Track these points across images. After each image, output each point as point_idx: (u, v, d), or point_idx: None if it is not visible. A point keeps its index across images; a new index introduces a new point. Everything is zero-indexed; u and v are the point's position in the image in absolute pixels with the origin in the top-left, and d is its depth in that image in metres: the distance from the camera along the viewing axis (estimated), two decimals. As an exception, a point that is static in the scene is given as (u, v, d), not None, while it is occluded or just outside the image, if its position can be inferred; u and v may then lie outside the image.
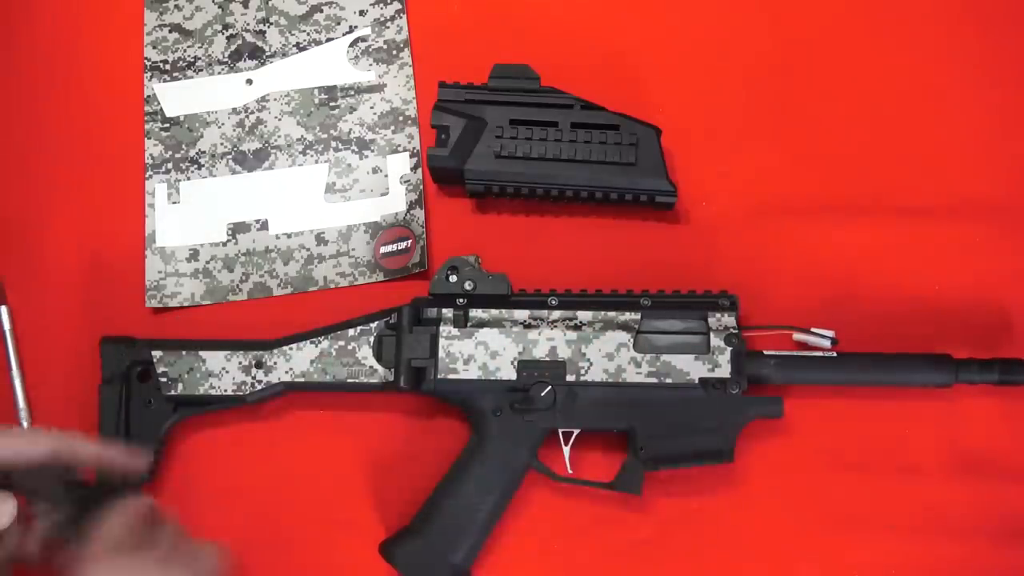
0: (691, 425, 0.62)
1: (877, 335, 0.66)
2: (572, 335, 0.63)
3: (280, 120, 0.74)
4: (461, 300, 0.64)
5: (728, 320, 0.63)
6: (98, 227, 0.73)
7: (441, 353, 0.63)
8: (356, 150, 0.73)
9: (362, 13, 0.76)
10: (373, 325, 0.65)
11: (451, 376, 0.63)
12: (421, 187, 0.72)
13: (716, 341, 0.63)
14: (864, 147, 0.72)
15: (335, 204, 0.73)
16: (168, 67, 0.76)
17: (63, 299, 0.71)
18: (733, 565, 0.65)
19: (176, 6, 0.77)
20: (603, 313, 0.64)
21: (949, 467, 0.66)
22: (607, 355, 0.63)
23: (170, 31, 0.76)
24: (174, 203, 0.73)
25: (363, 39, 0.76)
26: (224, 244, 0.72)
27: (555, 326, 0.64)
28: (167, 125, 0.75)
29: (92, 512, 0.51)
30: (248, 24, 0.76)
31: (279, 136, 0.74)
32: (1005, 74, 0.73)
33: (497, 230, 0.71)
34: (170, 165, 0.74)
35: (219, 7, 0.77)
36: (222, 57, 0.76)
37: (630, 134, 0.67)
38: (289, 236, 0.72)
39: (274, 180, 0.73)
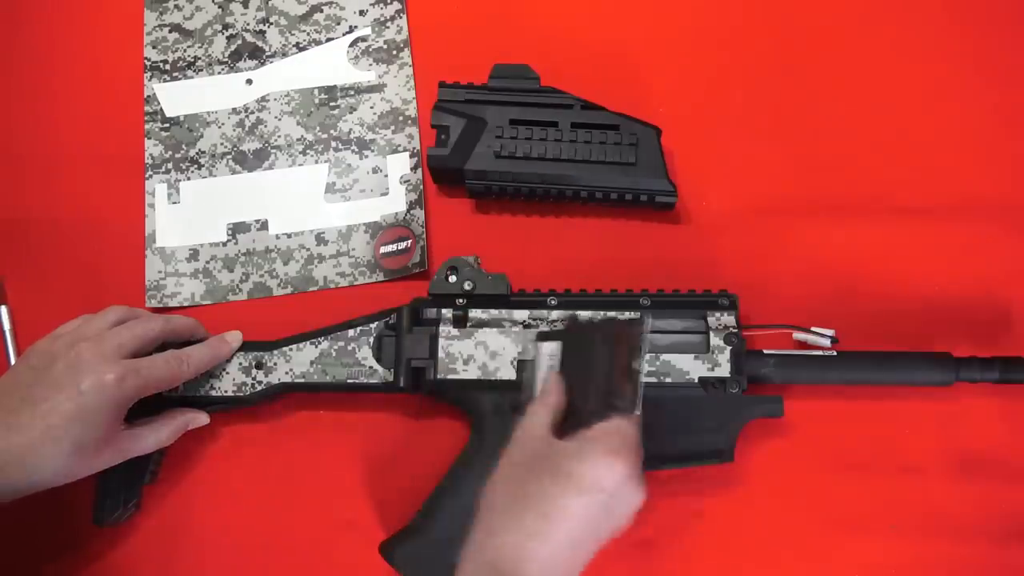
0: (691, 425, 0.62)
1: (877, 334, 0.66)
2: None
3: (280, 120, 0.74)
4: (461, 300, 0.64)
5: (728, 319, 0.63)
6: (98, 227, 0.73)
7: (441, 353, 0.63)
8: (356, 150, 0.73)
9: (362, 13, 0.76)
10: (373, 326, 0.65)
11: (451, 376, 0.63)
12: (421, 187, 0.72)
13: (716, 340, 0.62)
14: (864, 147, 0.71)
15: (335, 204, 0.73)
16: (168, 67, 0.76)
17: (63, 299, 0.71)
18: (733, 565, 0.65)
19: (176, 6, 0.77)
20: (603, 313, 0.64)
21: (949, 467, 0.65)
22: (607, 355, 0.63)
23: (170, 31, 0.76)
24: (174, 203, 0.73)
25: (363, 39, 0.76)
26: (224, 244, 0.72)
27: (555, 326, 0.64)
28: (167, 125, 0.75)
29: None
30: (248, 24, 0.76)
31: (279, 136, 0.74)
32: (1005, 74, 0.72)
33: (497, 230, 0.71)
34: (170, 165, 0.74)
35: (219, 7, 0.77)
36: (222, 57, 0.76)
37: (630, 134, 0.67)
38: (289, 236, 0.72)
39: (274, 180, 0.73)
